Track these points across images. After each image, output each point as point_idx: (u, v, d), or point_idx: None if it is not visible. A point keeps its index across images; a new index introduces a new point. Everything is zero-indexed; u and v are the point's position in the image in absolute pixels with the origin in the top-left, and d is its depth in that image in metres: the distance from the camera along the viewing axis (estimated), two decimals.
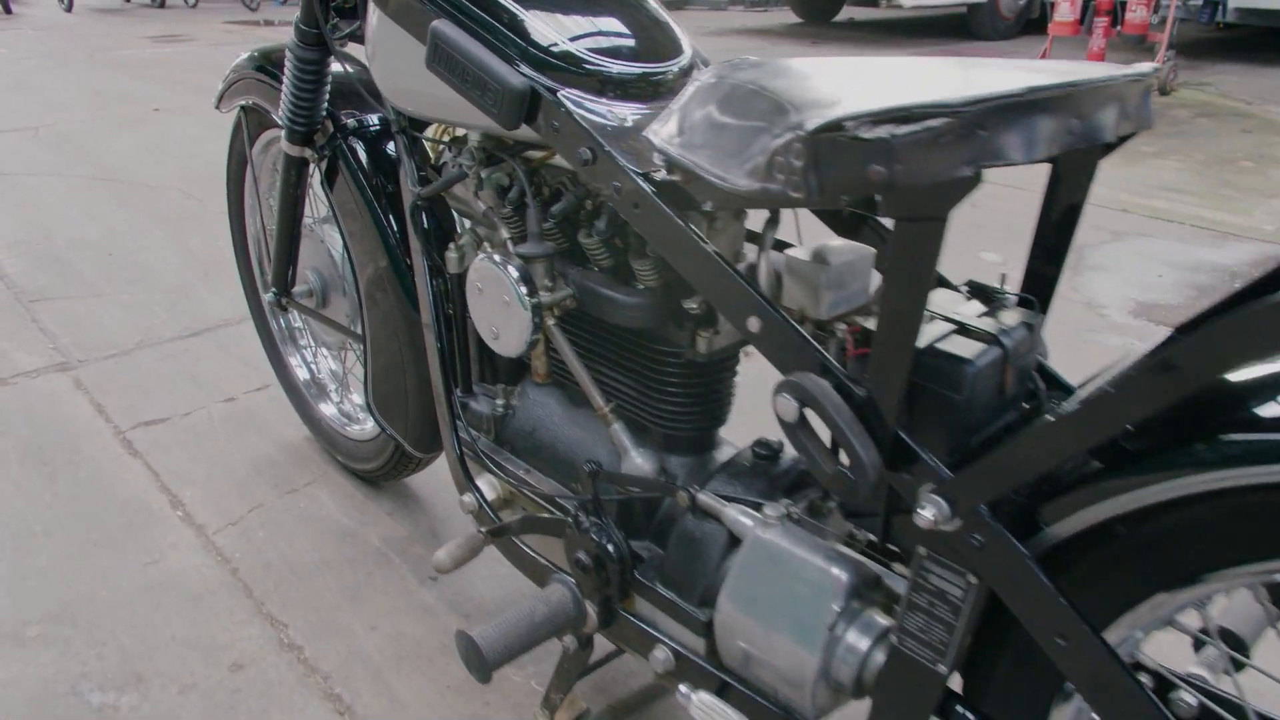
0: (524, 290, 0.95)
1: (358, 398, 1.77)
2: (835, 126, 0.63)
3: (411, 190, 1.14)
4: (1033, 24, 8.64)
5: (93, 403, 2.06)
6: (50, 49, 7.53)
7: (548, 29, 0.96)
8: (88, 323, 2.46)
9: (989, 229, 3.28)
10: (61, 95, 5.48)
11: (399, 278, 1.34)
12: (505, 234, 1.06)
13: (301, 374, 1.82)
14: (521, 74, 0.91)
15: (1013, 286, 0.90)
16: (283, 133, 1.37)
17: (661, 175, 0.84)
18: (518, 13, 0.97)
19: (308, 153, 1.38)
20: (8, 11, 10.51)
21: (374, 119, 1.38)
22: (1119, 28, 6.22)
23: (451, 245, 1.15)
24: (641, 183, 0.84)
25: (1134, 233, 3.27)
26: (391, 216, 1.34)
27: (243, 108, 1.64)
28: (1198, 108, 5.57)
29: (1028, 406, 0.82)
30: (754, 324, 0.78)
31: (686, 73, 1.01)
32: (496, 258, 0.97)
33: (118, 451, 1.88)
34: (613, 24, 1.00)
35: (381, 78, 1.10)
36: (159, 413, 2.02)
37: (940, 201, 0.63)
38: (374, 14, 1.07)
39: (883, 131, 0.60)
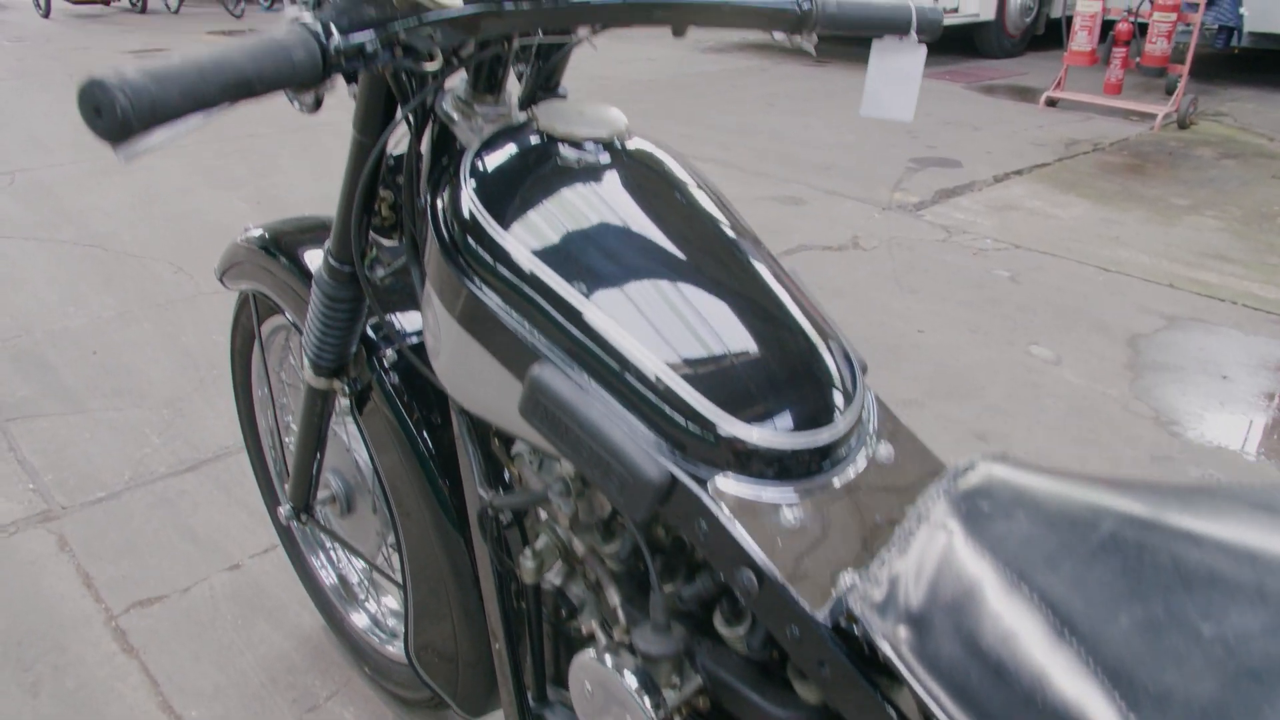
0: (648, 702, 0.75)
1: (393, 602, 1.56)
2: None
3: (479, 493, 0.93)
4: (1038, 41, 8.47)
5: (80, 572, 1.84)
6: (28, 66, 7.21)
7: (697, 387, 0.71)
8: (71, 451, 2.23)
9: (1037, 312, 3.09)
10: (40, 130, 5.20)
11: (448, 533, 1.13)
12: (614, 597, 0.84)
13: (327, 577, 1.60)
14: (657, 457, 0.69)
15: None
16: (305, 364, 1.16)
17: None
18: (649, 360, 0.72)
19: (336, 384, 1.17)
20: None
21: (417, 337, 1.17)
22: (1138, 59, 6.04)
23: (528, 551, 0.94)
24: (837, 651, 0.63)
25: (1187, 316, 3.09)
26: (440, 461, 1.13)
27: (246, 292, 1.42)
28: (1220, 145, 5.40)
29: None
30: None
31: (856, 423, 0.78)
32: (609, 660, 0.76)
33: (111, 649, 1.66)
34: (779, 361, 0.75)
35: (445, 372, 0.88)
36: (155, 587, 1.81)
37: None
38: (433, 294, 0.85)
39: None
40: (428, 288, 0.85)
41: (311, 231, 1.32)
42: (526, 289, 0.76)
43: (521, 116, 0.90)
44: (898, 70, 1.01)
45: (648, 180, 0.84)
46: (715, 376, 0.71)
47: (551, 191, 0.79)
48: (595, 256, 0.75)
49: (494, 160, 0.83)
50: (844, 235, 3.77)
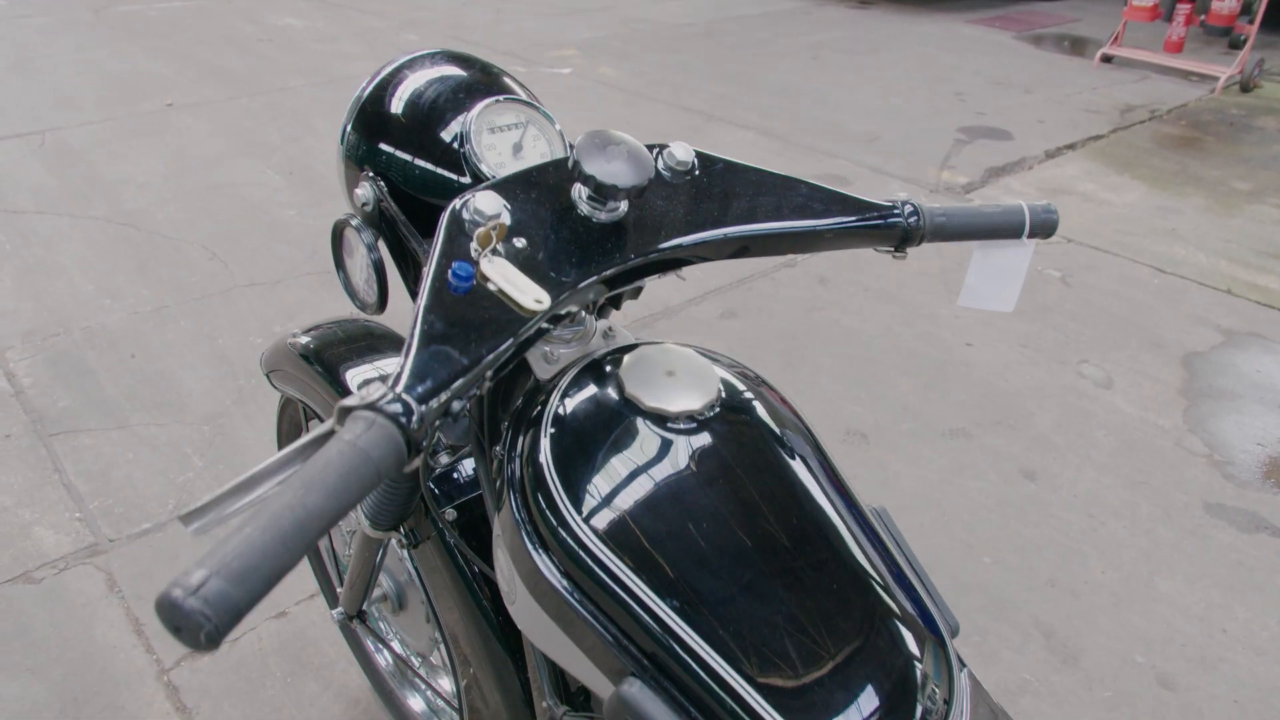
0: None
1: (448, 683, 1.56)
2: None
3: (545, 704, 0.91)
4: None
5: (130, 617, 1.86)
6: (53, 2, 7.06)
7: (785, 714, 0.68)
8: (115, 474, 2.23)
9: (1089, 323, 3.00)
10: (68, 81, 5.11)
11: (500, 660, 1.11)
12: None
13: (382, 661, 1.60)
14: None
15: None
16: (362, 518, 1.13)
17: None
18: (740, 685, 0.68)
19: (394, 534, 1.14)
20: None
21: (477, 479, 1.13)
22: (1203, 17, 5.75)
23: None
24: None
25: (1245, 330, 3.00)
26: (498, 614, 1.10)
27: (290, 398, 1.39)
28: None
29: None
30: None
31: None
32: None
33: (165, 709, 1.68)
34: (867, 671, 0.72)
35: (520, 617, 0.83)
36: None
37: None
38: (504, 546, 0.81)
39: None
40: (498, 532, 0.81)
41: (355, 342, 1.28)
42: (610, 591, 0.71)
43: (600, 341, 0.85)
44: (1003, 267, 0.94)
45: (740, 455, 0.78)
46: (800, 696, 0.68)
47: (636, 476, 0.74)
48: (682, 560, 0.71)
49: (575, 420, 0.78)
50: None
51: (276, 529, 0.49)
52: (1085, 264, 3.39)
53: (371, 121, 0.97)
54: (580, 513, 0.73)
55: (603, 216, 0.79)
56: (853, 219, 0.88)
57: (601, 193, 0.76)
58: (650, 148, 0.87)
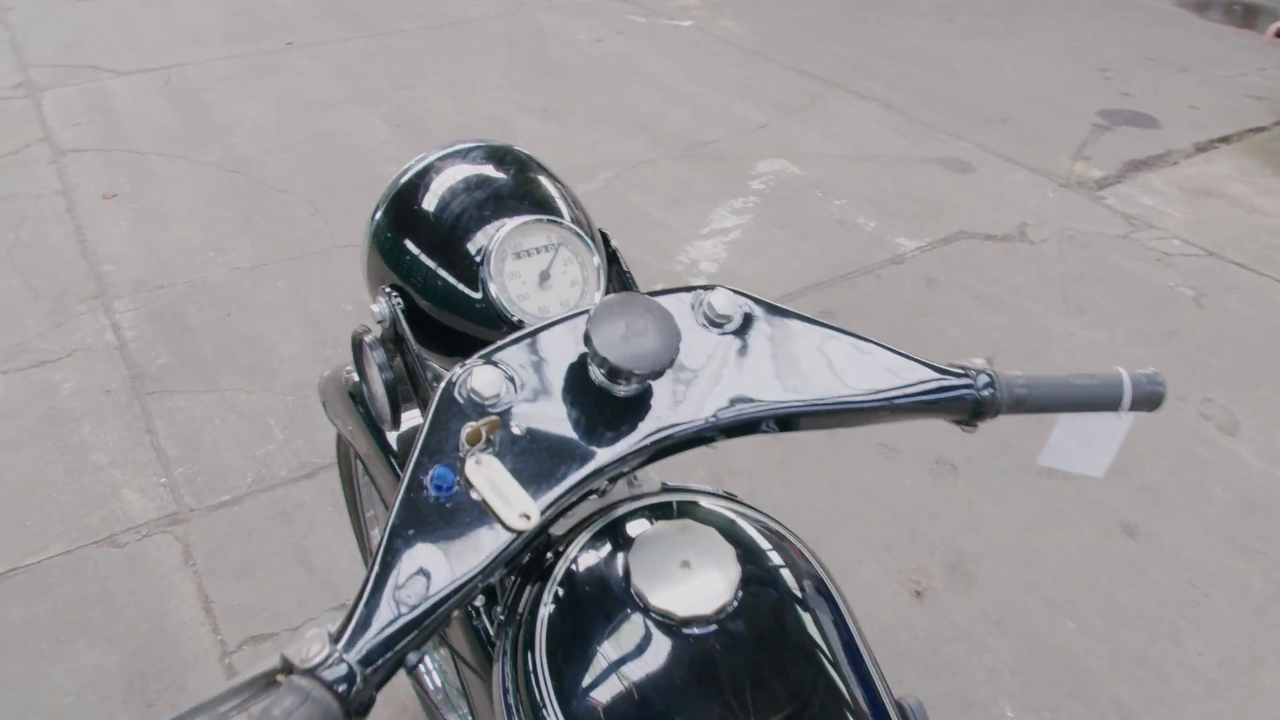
0: None
1: None
2: None
3: None
4: None
5: (201, 594, 1.92)
6: None
7: None
8: (202, 440, 2.30)
9: (1220, 354, 2.75)
10: (198, 15, 5.22)
11: None
12: None
13: (430, 683, 1.61)
14: None
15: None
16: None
17: None
18: None
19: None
20: None
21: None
22: None
23: None
24: None
25: None
26: None
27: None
28: None
29: None
30: None
31: None
32: None
33: None
34: None
35: None
36: (267, 622, 1.87)
37: None
38: None
39: None
40: (493, 683, 0.76)
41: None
42: None
43: (624, 488, 0.78)
44: (1096, 434, 0.83)
45: (753, 663, 0.69)
46: None
47: (633, 678, 0.67)
48: None
49: (576, 601, 0.72)
50: (1011, 221, 3.43)
51: None
52: (1225, 282, 3.11)
53: (402, 214, 0.90)
54: (563, 711, 0.67)
55: (620, 392, 0.71)
56: (917, 391, 0.78)
57: (614, 377, 0.69)
58: (688, 289, 0.78)
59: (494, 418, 0.67)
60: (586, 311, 0.71)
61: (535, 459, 0.67)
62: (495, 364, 0.71)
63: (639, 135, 3.96)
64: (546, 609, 0.72)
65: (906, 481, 2.26)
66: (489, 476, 0.64)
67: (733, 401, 0.73)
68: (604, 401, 0.71)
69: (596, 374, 0.71)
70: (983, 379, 0.79)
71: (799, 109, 4.28)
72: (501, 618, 0.76)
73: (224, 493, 2.16)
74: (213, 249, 3.07)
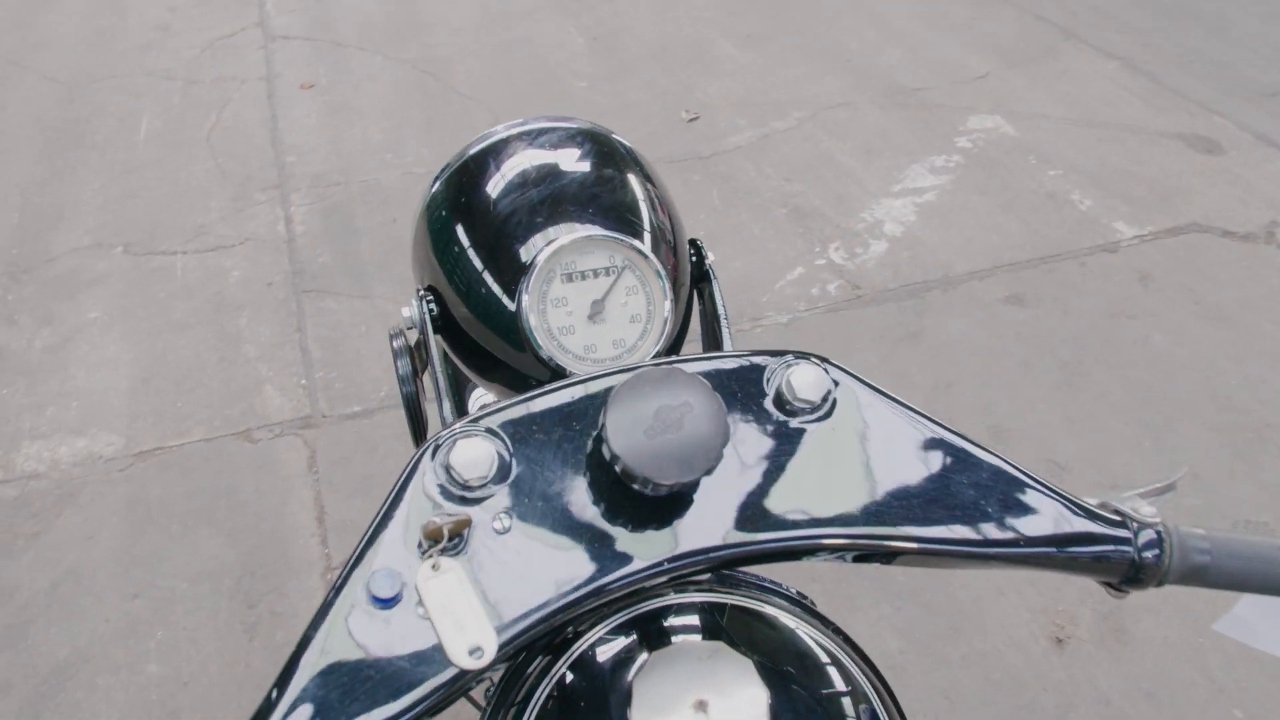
0: None
1: None
2: None
3: None
4: None
5: (317, 504, 1.96)
6: None
7: None
8: (346, 346, 2.33)
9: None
10: None
11: None
12: None
13: None
14: None
15: None
16: None
17: None
18: None
19: None
20: None
21: None
22: None
23: None
24: None
25: None
26: None
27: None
28: None
29: None
30: None
31: None
32: None
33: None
34: None
35: None
36: None
37: None
38: None
39: None
40: None
41: None
42: None
43: None
44: None
45: None
46: None
47: None
48: None
49: (575, 698, 0.58)
50: (1258, 217, 2.94)
51: None
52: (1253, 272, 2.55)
53: (463, 191, 0.78)
54: None
55: (648, 491, 0.55)
56: (1049, 537, 0.58)
57: (632, 480, 0.54)
58: (769, 355, 0.60)
59: (464, 515, 0.53)
60: (627, 370, 0.57)
61: (515, 569, 0.53)
62: (491, 433, 0.58)
63: (842, 74, 3.66)
64: (545, 691, 0.61)
65: None
66: (445, 590, 0.51)
67: (794, 521, 0.56)
68: (624, 500, 0.56)
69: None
70: (1146, 535, 0.58)
71: (1027, 60, 3.82)
72: (494, 699, 0.66)
73: (357, 403, 2.18)
74: (391, 150, 3.10)
